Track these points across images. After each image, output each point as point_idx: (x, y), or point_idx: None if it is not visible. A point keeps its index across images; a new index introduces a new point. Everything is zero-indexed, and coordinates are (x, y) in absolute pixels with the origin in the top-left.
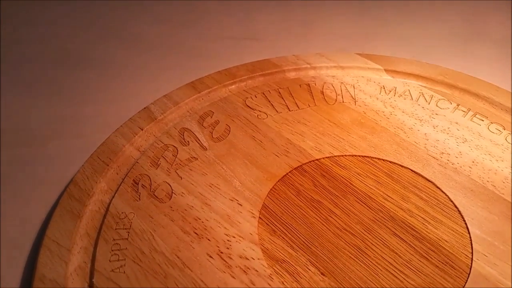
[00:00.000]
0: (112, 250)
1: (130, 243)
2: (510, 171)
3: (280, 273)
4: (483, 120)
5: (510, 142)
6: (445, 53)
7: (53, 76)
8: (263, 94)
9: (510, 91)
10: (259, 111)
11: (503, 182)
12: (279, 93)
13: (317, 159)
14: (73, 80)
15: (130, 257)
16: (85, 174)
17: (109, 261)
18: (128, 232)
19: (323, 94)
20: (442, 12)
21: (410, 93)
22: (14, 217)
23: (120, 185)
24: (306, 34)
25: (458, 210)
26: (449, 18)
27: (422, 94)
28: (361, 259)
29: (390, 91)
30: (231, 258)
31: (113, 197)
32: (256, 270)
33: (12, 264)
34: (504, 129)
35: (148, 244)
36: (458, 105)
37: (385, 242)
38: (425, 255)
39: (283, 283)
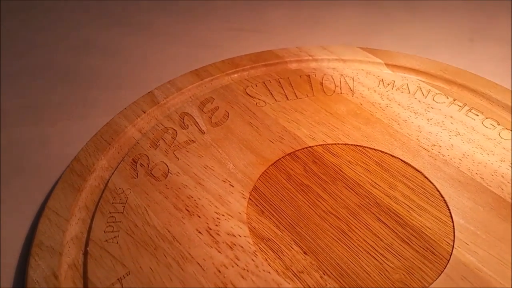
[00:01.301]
0: (108, 222)
1: (125, 217)
2: (500, 165)
3: (264, 250)
4: (478, 115)
5: (504, 137)
6: (449, 51)
7: (64, 62)
8: (264, 83)
9: (509, 89)
10: (258, 99)
11: (492, 175)
12: (279, 83)
13: (310, 146)
14: (83, 65)
15: (124, 229)
16: (87, 152)
17: (104, 232)
18: (124, 206)
19: (322, 85)
20: (448, 10)
21: (408, 86)
22: (20, 190)
23: (120, 163)
24: (312, 27)
25: (444, 200)
26: (455, 17)
27: (420, 88)
28: (344, 241)
29: (388, 84)
30: (218, 235)
31: (112, 174)
32: (242, 247)
33: (14, 232)
34: (499, 125)
35: (141, 218)
36: (454, 99)
37: (368, 226)
38: (406, 240)
39: (266, 259)
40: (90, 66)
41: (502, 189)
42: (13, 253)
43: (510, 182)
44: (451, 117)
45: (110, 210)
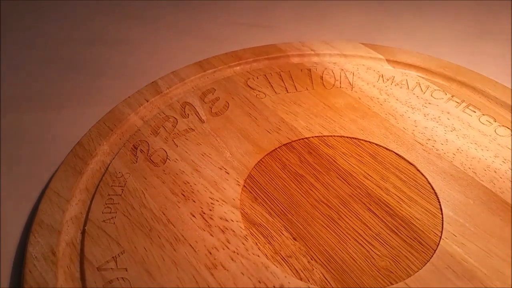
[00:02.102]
0: (106, 204)
1: (123, 199)
2: (494, 160)
3: (255, 235)
4: (475, 112)
5: (499, 134)
6: (453, 49)
7: (72, 52)
8: (265, 76)
9: (509, 87)
10: (259, 91)
11: (484, 170)
12: (280, 76)
13: (306, 138)
14: (90, 56)
15: (121, 211)
16: (90, 137)
17: (102, 212)
18: (122, 189)
19: (322, 79)
20: (453, 9)
21: (407, 82)
22: (26, 172)
23: (121, 148)
24: (317, 23)
25: (435, 192)
26: (460, 15)
27: (419, 84)
28: (333, 228)
29: (387, 80)
30: (212, 219)
31: (113, 158)
32: (233, 231)
33: (18, 211)
34: (495, 121)
35: (138, 201)
36: (452, 96)
37: (358, 215)
38: (395, 229)
39: (256, 243)
40: (97, 56)
41: (494, 183)
42: (15, 232)
43: (502, 177)
44: (448, 112)
45: (109, 193)
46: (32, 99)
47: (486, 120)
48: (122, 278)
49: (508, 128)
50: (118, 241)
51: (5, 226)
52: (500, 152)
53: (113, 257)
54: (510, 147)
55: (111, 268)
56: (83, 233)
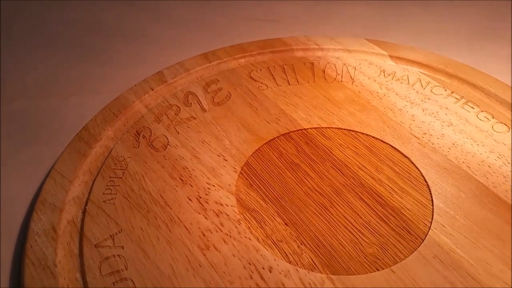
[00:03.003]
0: (107, 185)
1: (123, 181)
2: (489, 155)
3: (248, 219)
4: (473, 108)
5: (496, 130)
6: (458, 48)
7: (83, 41)
8: (268, 68)
9: (509, 84)
10: (261, 83)
11: (479, 165)
12: (283, 68)
13: (304, 129)
14: (100, 45)
15: (121, 193)
16: (96, 122)
17: (103, 193)
18: (123, 172)
19: (324, 73)
20: (461, 8)
21: (408, 78)
22: (33, 154)
23: (124, 134)
24: (325, 19)
25: (427, 185)
26: (467, 15)
27: (420, 80)
28: (324, 215)
29: (389, 75)
30: (207, 203)
31: (116, 143)
32: (227, 215)
33: (24, 191)
34: (493, 118)
35: (138, 184)
36: (452, 92)
37: (350, 204)
38: (385, 219)
39: (249, 227)
40: (107, 47)
41: (487, 178)
42: (21, 210)
43: (496, 172)
44: (447, 108)
45: (111, 175)
46: (43, 85)
47: (484, 117)
48: (118, 255)
49: (506, 125)
50: (117, 221)
51: (12, 204)
52: (496, 147)
53: (110, 236)
54: (506, 143)
55: (108, 246)
56: (84, 212)
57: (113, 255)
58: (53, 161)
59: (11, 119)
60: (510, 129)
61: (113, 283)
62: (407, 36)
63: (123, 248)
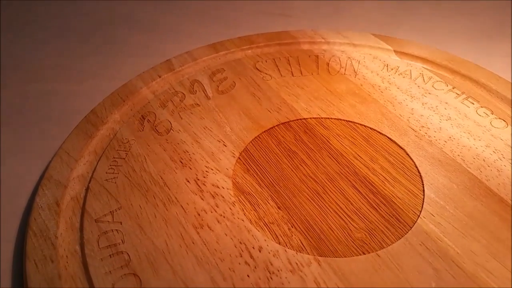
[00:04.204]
0: (110, 165)
1: (126, 162)
2: (484, 149)
3: (243, 202)
4: (473, 104)
5: (494, 126)
6: (465, 46)
7: (96, 30)
8: (273, 60)
9: (510, 81)
10: (266, 73)
11: (473, 158)
12: (288, 60)
13: (304, 118)
14: (112, 34)
15: (123, 172)
16: (104, 106)
17: (106, 173)
18: (126, 154)
19: (328, 66)
20: (469, 7)
21: (410, 72)
22: (45, 134)
23: (130, 118)
24: (334, 14)
25: (420, 175)
26: (476, 14)
27: (422, 75)
28: (316, 201)
29: (392, 69)
30: (204, 185)
31: (122, 126)
32: (223, 197)
33: (32, 168)
34: (492, 114)
35: (140, 165)
36: (453, 87)
37: (342, 191)
38: (375, 206)
39: (242, 209)
40: (119, 36)
41: (481, 171)
42: (28, 185)
43: (490, 166)
44: (446, 103)
45: (114, 156)
46: (59, 71)
47: (483, 112)
48: (116, 230)
49: (504, 121)
50: (117, 198)
51: (21, 179)
52: (492, 142)
53: (110, 212)
54: (503, 139)
55: (108, 221)
56: (87, 189)
57: (112, 230)
58: (62, 141)
59: (28, 100)
60: (509, 125)
61: (110, 255)
62: (414, 33)
63: (121, 224)
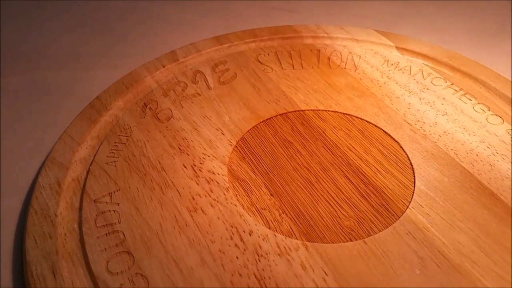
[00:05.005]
0: (111, 150)
1: (126, 147)
2: (478, 145)
3: (237, 188)
4: (470, 100)
5: (490, 122)
6: (468, 45)
7: (105, 21)
8: (276, 53)
9: (509, 79)
10: (267, 66)
11: (467, 153)
12: (290, 54)
13: (302, 110)
14: (120, 26)
15: (123, 156)
16: (108, 93)
17: (107, 156)
18: (127, 139)
19: (329, 60)
20: (475, 6)
21: (410, 68)
22: (51, 118)
23: (133, 105)
24: (340, 11)
25: (412, 168)
26: (481, 13)
27: (422, 71)
28: (308, 189)
29: (392, 65)
30: (200, 171)
31: (124, 113)
32: (218, 182)
33: (38, 150)
34: (489, 110)
35: (139, 150)
36: (452, 84)
37: (334, 180)
38: (365, 196)
39: (236, 195)
40: (127, 27)
41: (473, 165)
42: (33, 166)
43: (483, 160)
44: (444, 98)
45: (115, 141)
46: (68, 59)
47: (480, 109)
48: (114, 210)
49: (500, 117)
50: (116, 181)
51: (26, 161)
52: (487, 138)
53: (109, 193)
54: (498, 135)
55: (106, 202)
56: (88, 172)
57: (109, 210)
58: (67, 125)
59: (37, 86)
60: (505, 122)
61: (106, 234)
62: (420, 31)
63: (118, 205)
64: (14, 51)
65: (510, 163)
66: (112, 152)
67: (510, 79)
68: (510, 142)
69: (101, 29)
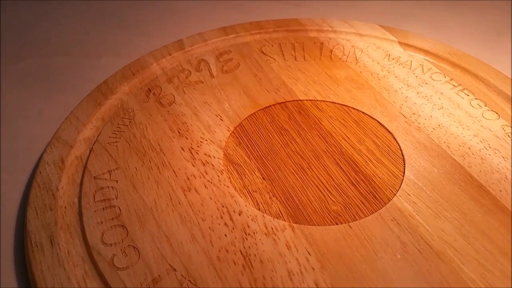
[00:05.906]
0: (114, 131)
1: (128, 128)
2: (471, 139)
3: (231, 171)
4: (468, 95)
5: (486, 117)
6: (472, 43)
7: (115, 12)
8: (279, 45)
9: (510, 77)
10: (270, 57)
11: (459, 146)
12: (294, 46)
13: (300, 100)
14: (130, 16)
15: (124, 138)
16: (115, 78)
17: (109, 137)
18: (130, 121)
19: (331, 53)
20: (481, 5)
21: (411, 63)
22: (61, 101)
23: (138, 90)
24: (348, 6)
25: (403, 158)
26: (487, 12)
27: (422, 66)
28: (299, 175)
29: (393, 59)
30: (197, 153)
31: (129, 97)
32: (213, 165)
33: (46, 129)
34: (485, 106)
35: (140, 132)
36: (451, 79)
37: (326, 167)
38: (355, 183)
39: (229, 178)
40: (137, 17)
41: (464, 158)
42: (40, 145)
43: (474, 154)
44: (441, 93)
45: (118, 123)
46: (80, 47)
47: (477, 104)
48: (112, 187)
49: (496, 113)
50: (116, 160)
51: (34, 139)
52: (481, 132)
53: (108, 171)
54: (492, 130)
55: (105, 179)
56: (91, 151)
57: (108, 187)
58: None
59: (49, 70)
60: (500, 117)
61: (103, 208)
62: (426, 29)
63: (117, 182)
64: (29, 37)
65: (502, 157)
66: (115, 133)
67: (510, 77)
68: (504, 137)
69: (111, 20)
